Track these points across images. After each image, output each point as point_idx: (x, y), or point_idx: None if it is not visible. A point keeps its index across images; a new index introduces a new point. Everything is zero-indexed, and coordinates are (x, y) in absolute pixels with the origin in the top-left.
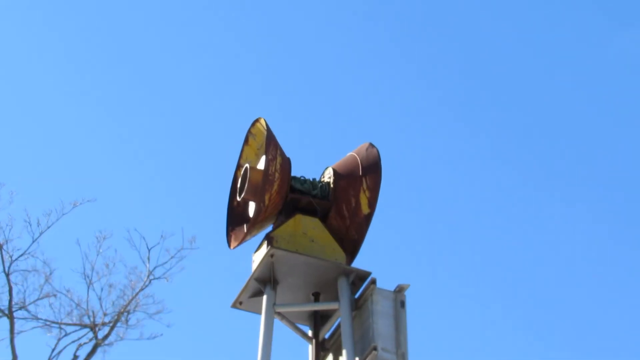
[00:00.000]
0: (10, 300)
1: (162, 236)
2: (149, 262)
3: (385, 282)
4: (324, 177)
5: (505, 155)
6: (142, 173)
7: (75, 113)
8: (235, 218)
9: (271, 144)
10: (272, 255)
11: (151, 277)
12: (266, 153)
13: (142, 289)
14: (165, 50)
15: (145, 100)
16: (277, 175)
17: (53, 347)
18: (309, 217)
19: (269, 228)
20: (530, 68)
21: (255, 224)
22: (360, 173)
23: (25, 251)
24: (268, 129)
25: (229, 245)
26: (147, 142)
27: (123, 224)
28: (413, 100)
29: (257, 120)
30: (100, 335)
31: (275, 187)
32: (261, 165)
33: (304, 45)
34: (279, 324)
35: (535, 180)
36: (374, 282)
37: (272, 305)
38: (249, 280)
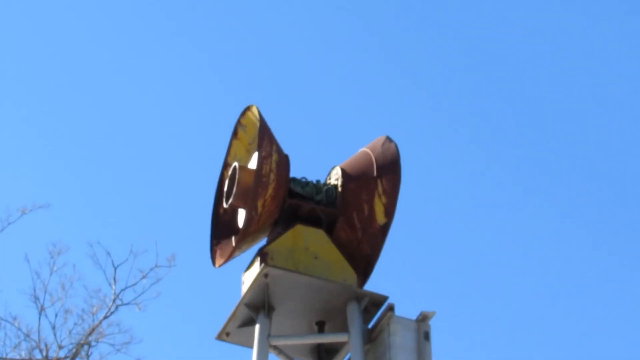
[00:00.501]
0: None
1: (131, 251)
2: (115, 284)
3: (405, 308)
4: (330, 178)
5: (538, 158)
6: (107, 174)
7: (25, 105)
8: (222, 229)
9: (265, 138)
10: (266, 275)
11: (118, 301)
12: (259, 149)
13: (106, 316)
14: (134, 41)
15: (112, 89)
16: (272, 176)
17: None
18: (311, 229)
19: (263, 241)
20: (550, 67)
21: (245, 236)
22: (375, 173)
23: None
24: (261, 119)
25: (214, 263)
26: (114, 138)
27: (83, 236)
28: (435, 90)
29: (248, 109)
30: None
31: (270, 190)
32: (253, 164)
33: (307, 31)
34: (274, 359)
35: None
36: (391, 308)
37: (266, 336)
38: (238, 305)
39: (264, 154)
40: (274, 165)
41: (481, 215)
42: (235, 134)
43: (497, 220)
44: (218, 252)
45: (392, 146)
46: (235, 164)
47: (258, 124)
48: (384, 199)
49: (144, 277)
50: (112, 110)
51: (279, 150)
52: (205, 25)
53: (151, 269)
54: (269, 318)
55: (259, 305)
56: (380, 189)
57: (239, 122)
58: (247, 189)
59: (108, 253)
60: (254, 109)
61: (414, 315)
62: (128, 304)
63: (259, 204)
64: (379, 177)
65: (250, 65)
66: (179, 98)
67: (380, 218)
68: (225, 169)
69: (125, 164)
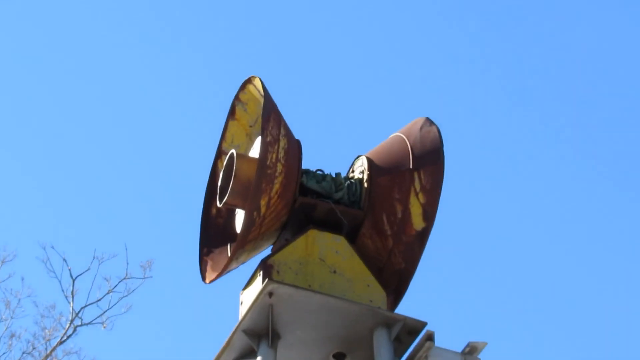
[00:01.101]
0: None
1: (95, 258)
2: (73, 299)
3: (448, 337)
4: (353, 171)
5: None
6: (63, 163)
7: None
8: (214, 235)
9: (271, 118)
10: (270, 294)
11: (77, 321)
12: (262, 132)
13: (62, 341)
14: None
15: (73, 76)
16: (279, 167)
17: None
18: (329, 235)
19: (267, 251)
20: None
21: (244, 244)
22: (411, 165)
23: None
24: (266, 94)
25: (204, 278)
26: (74, 120)
27: (33, 239)
28: (486, 67)
29: (248, 81)
30: None
31: (277, 186)
32: (255, 151)
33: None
34: None
35: None
36: (430, 337)
37: None
38: (235, 332)
39: (269, 138)
40: (281, 153)
41: (545, 220)
42: (232, 113)
43: (567, 227)
44: (209, 264)
45: (434, 130)
46: (233, 151)
47: (262, 100)
48: (422, 198)
49: (110, 291)
50: (73, 91)
51: (289, 135)
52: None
53: (120, 281)
54: (274, 349)
55: (261, 332)
56: (417, 184)
57: (237, 98)
58: (247, 184)
59: (64, 260)
60: (257, 81)
61: (459, 347)
62: (90, 323)
63: (262, 202)
64: (416, 170)
65: (257, 33)
66: (160, 71)
67: (418, 222)
68: (219, 158)
69: (88, 150)
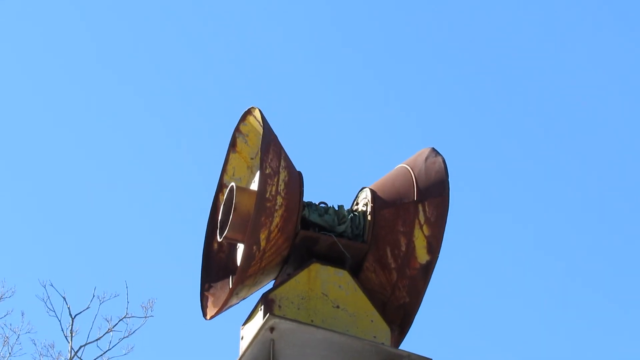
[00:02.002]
0: None
1: (95, 297)
2: (71, 338)
3: None
4: (357, 203)
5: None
6: (65, 195)
7: None
8: (216, 271)
9: (270, 150)
10: (272, 329)
11: None
12: (261, 164)
13: None
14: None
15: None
16: (279, 200)
17: None
18: (332, 269)
19: (269, 286)
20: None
21: (243, 279)
22: (415, 197)
23: None
24: (265, 125)
25: (204, 314)
26: (75, 155)
27: (33, 276)
28: (493, 96)
29: (249, 112)
30: None
31: (277, 219)
32: (256, 184)
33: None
34: None
35: None
36: None
37: None
38: None
39: (268, 171)
40: (282, 186)
41: (556, 253)
42: (233, 145)
43: (581, 258)
44: (210, 300)
45: (439, 161)
46: (232, 184)
47: (262, 131)
48: (426, 231)
49: (110, 330)
50: (73, 125)
51: (289, 167)
52: (202, 25)
53: (120, 319)
54: None
55: None
56: (422, 217)
57: (237, 130)
58: (248, 218)
59: (63, 298)
60: (257, 112)
61: None
62: None
63: (262, 236)
64: (420, 202)
65: (259, 62)
66: (166, 102)
67: (422, 255)
68: (220, 192)
69: (89, 181)
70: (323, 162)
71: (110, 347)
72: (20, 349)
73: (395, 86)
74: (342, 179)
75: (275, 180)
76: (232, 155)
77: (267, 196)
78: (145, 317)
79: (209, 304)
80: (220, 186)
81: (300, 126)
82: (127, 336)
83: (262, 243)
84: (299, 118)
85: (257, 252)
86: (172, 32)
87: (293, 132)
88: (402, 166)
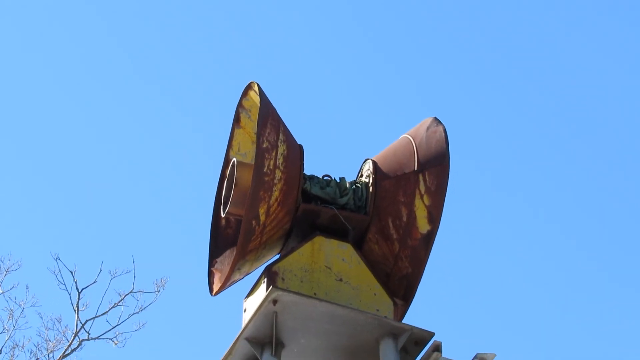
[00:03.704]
0: None
1: (102, 270)
2: (77, 312)
3: (456, 348)
4: (362, 175)
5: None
6: (74, 171)
7: None
8: (223, 246)
9: (268, 124)
10: (274, 302)
11: (83, 335)
12: (258, 138)
13: (65, 354)
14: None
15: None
16: (278, 174)
17: None
18: (335, 241)
19: (274, 258)
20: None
21: (244, 254)
22: (416, 167)
23: None
24: (263, 98)
25: (211, 290)
26: (84, 130)
27: (41, 249)
28: (498, 66)
29: (249, 87)
30: None
31: (276, 193)
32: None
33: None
34: None
35: None
36: (438, 348)
37: None
38: (237, 340)
39: (265, 144)
40: (280, 159)
41: (557, 224)
42: (237, 120)
43: (581, 231)
44: (216, 276)
45: (440, 130)
46: (234, 159)
47: (259, 104)
48: (427, 200)
49: (116, 304)
50: (82, 102)
51: (289, 140)
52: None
53: (126, 294)
54: (277, 357)
55: (264, 341)
56: (422, 186)
57: (240, 105)
58: (245, 192)
59: (71, 272)
60: (256, 87)
61: (467, 358)
62: (98, 338)
63: (261, 211)
64: (420, 172)
65: (261, 37)
66: (174, 81)
67: (423, 225)
68: (227, 167)
69: (100, 159)
70: (329, 134)
71: (120, 323)
72: (26, 322)
73: (401, 57)
74: (348, 152)
75: (274, 154)
76: (236, 131)
77: (264, 170)
78: (156, 291)
79: (216, 279)
80: (227, 162)
81: (305, 100)
82: (138, 312)
83: (262, 217)
84: (303, 92)
85: (257, 227)
86: (176, 10)
87: (296, 105)
88: (404, 136)
